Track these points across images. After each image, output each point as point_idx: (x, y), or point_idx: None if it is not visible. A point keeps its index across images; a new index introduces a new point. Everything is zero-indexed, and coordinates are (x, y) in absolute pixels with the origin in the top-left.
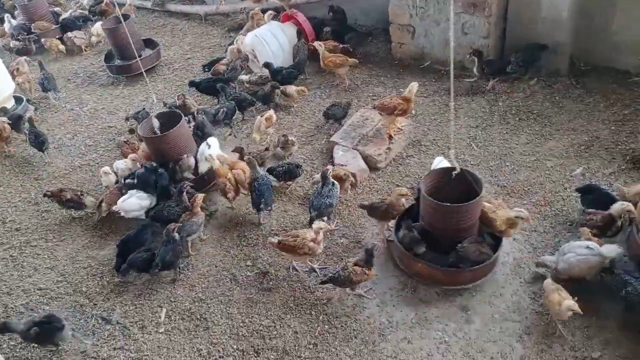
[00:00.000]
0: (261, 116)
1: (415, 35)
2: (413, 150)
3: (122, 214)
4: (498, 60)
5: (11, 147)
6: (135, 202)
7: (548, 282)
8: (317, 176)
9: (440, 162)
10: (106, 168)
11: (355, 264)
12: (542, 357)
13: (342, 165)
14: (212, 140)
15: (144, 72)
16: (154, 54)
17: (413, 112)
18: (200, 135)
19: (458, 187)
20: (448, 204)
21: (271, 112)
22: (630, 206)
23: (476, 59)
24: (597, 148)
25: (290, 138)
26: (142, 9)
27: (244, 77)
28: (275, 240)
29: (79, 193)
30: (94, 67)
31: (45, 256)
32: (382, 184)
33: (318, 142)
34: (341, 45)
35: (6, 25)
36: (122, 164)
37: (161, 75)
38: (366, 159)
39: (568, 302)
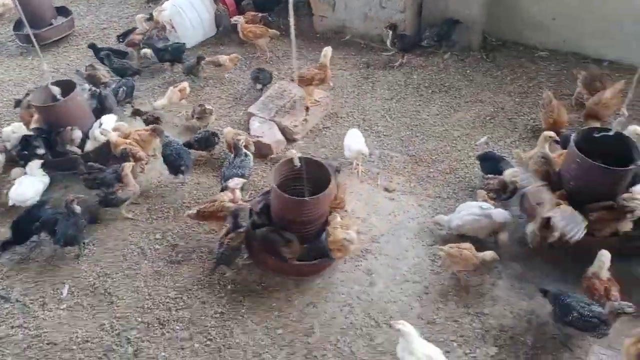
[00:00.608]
0: (174, 87)
1: (335, 8)
2: (330, 122)
3: (19, 204)
4: (411, 35)
5: None
6: (29, 189)
7: (447, 250)
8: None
9: (353, 134)
10: None
11: (227, 234)
12: (438, 315)
13: (258, 136)
14: (107, 118)
15: (36, 44)
16: (66, 23)
17: (331, 84)
18: (100, 109)
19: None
20: (277, 189)
21: (185, 83)
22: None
23: (390, 32)
24: (501, 118)
25: (207, 107)
26: None
27: (147, 50)
28: (193, 211)
29: None
30: (2, 37)
31: None
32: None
33: (236, 113)
34: (260, 15)
35: None
36: (9, 129)
37: (74, 46)
38: (283, 130)
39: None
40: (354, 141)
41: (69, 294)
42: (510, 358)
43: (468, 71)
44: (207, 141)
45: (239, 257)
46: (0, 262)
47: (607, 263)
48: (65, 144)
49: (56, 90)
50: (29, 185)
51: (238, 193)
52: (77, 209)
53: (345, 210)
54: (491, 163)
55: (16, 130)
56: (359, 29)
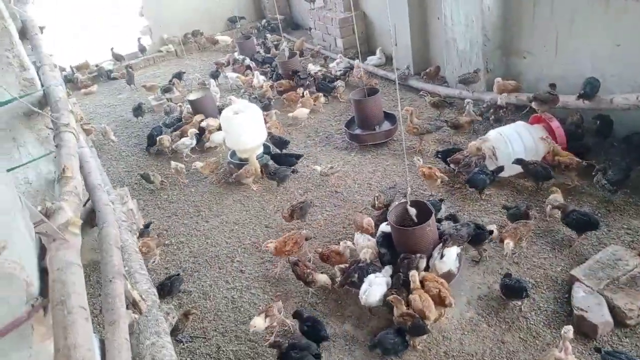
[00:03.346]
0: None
1: None
2: None
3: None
4: None
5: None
6: (377, 291)
7: None
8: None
9: None
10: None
11: None
12: None
13: (582, 310)
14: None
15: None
16: (384, 132)
17: None
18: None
19: None
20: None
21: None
22: None
23: None
24: None
25: None
26: (385, 79)
27: None
28: None
29: (308, 270)
30: (333, 129)
31: (261, 307)
32: (629, 346)
33: (553, 269)
34: (583, 163)
35: (255, 80)
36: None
37: (392, 151)
38: (613, 309)
39: None
40: None
41: None
42: None
43: None
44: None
45: None
46: None
47: None
48: (410, 270)
49: (412, 212)
50: (378, 289)
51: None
52: None
53: None
54: None
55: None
56: None
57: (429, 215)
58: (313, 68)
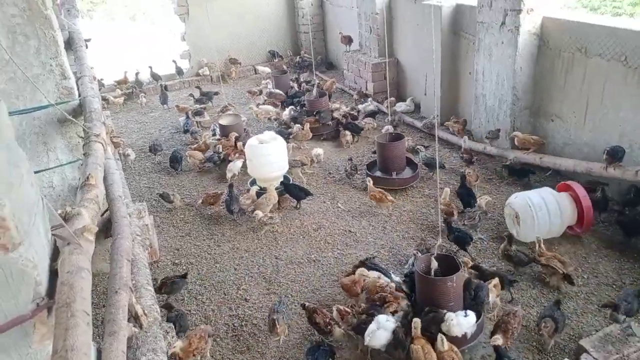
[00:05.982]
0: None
1: None
2: None
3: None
4: None
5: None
6: (384, 336)
7: None
8: None
9: None
10: None
11: None
12: None
13: None
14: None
15: None
16: (401, 180)
17: None
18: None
19: None
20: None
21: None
22: None
23: None
24: None
25: None
26: (411, 127)
27: None
28: None
29: (328, 319)
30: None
31: (260, 338)
32: None
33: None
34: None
35: (283, 113)
36: None
37: (410, 197)
38: None
39: None
40: None
41: None
42: None
43: None
44: None
45: None
46: None
47: None
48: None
49: (434, 265)
50: (383, 333)
51: None
52: None
53: None
54: None
55: None
56: None
57: (456, 271)
58: (342, 107)
